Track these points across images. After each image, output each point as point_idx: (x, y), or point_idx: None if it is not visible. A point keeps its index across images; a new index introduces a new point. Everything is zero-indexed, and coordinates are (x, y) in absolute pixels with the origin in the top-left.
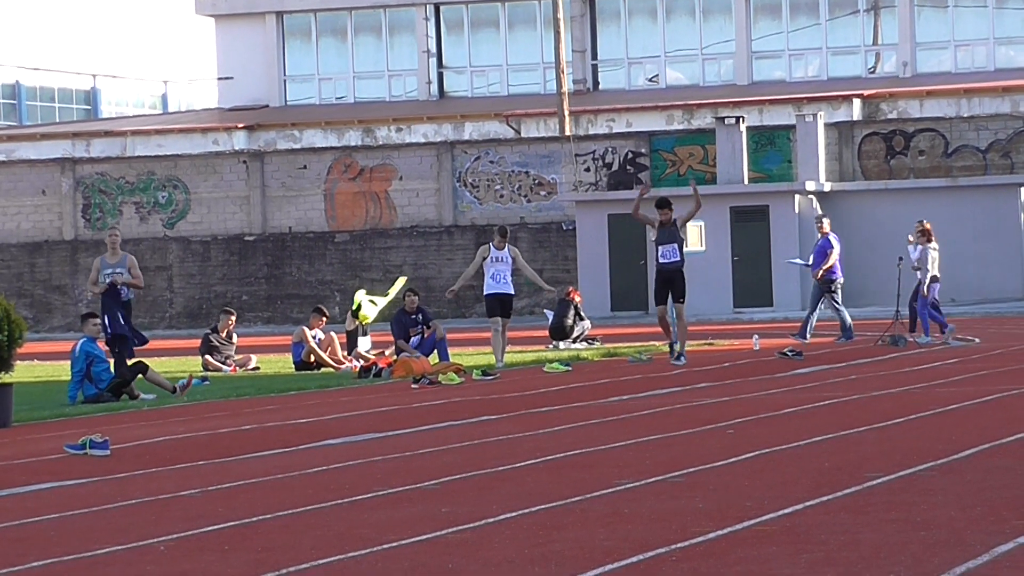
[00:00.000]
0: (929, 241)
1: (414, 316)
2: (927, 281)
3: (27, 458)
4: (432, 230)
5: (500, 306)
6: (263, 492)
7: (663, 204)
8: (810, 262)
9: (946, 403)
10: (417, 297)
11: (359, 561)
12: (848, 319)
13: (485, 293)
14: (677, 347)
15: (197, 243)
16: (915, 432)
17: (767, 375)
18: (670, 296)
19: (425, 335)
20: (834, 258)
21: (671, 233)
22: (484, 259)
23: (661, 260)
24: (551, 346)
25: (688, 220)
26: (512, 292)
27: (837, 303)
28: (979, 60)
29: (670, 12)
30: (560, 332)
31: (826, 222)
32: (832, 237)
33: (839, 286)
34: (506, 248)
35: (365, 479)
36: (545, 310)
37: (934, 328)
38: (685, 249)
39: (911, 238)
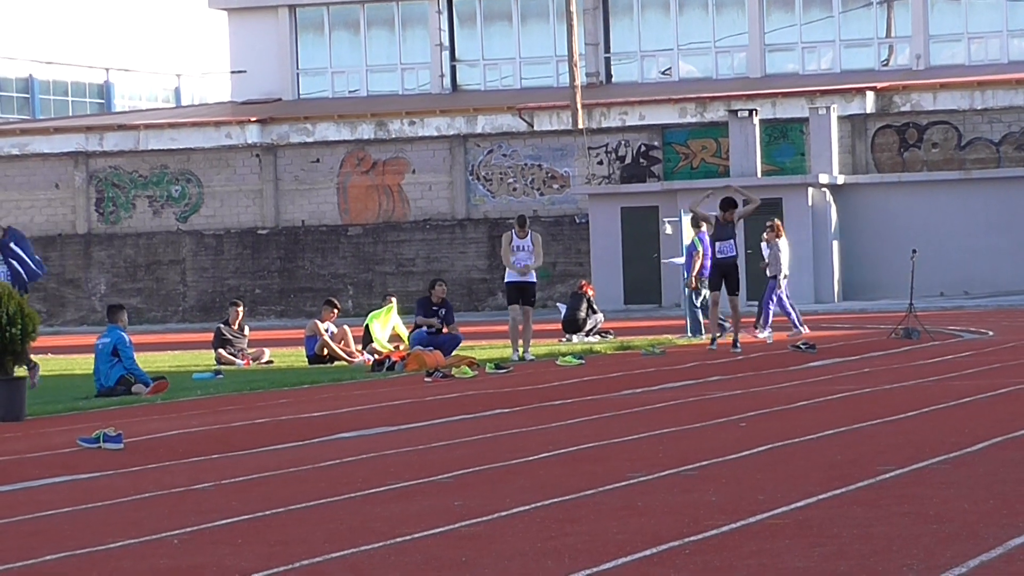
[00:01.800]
0: (778, 237)
1: (436, 307)
2: (772, 274)
3: (41, 452)
4: (445, 223)
5: (520, 294)
6: (276, 485)
7: (730, 205)
8: (683, 261)
9: (959, 396)
10: (445, 287)
11: (372, 554)
12: (701, 318)
13: (506, 281)
14: (722, 337)
15: (210, 237)
16: (928, 425)
17: (780, 368)
18: (724, 287)
19: (443, 331)
20: (701, 260)
21: (730, 230)
22: (509, 244)
23: (719, 255)
24: (564, 339)
25: (743, 217)
26: (534, 280)
27: (696, 304)
28: (992, 53)
29: (683, 5)
30: (573, 325)
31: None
32: (701, 235)
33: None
34: (528, 236)
35: (378, 472)
36: (558, 303)
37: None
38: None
39: (765, 236)
